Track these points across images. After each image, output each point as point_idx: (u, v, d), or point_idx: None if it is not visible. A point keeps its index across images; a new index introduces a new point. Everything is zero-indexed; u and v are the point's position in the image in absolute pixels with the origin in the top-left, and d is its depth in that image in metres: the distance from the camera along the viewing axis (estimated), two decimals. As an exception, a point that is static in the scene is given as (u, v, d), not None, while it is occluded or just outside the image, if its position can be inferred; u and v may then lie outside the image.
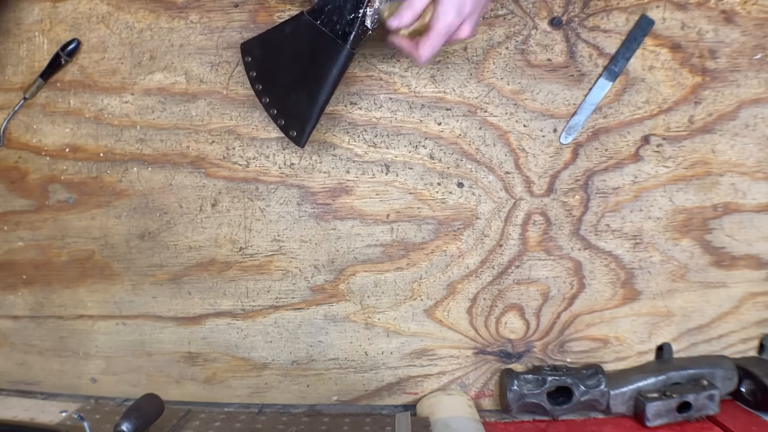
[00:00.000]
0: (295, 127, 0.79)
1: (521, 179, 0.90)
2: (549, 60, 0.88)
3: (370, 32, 0.74)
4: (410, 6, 0.68)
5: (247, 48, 0.81)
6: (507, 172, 0.90)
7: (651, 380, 0.89)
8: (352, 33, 0.73)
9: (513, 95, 0.88)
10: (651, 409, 0.85)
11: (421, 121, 0.89)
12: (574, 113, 0.87)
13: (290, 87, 0.78)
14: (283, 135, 0.82)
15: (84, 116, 0.91)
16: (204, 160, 0.91)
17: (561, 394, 0.89)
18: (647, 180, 0.90)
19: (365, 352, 0.94)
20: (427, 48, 0.68)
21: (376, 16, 0.73)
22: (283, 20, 0.78)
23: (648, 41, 0.87)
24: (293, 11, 0.86)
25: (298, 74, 0.77)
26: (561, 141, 0.87)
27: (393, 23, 0.69)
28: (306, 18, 0.75)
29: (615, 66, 0.86)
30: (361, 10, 0.72)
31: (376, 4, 0.72)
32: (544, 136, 0.89)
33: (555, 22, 0.87)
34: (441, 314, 0.93)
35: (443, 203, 0.91)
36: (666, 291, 0.93)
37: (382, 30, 0.74)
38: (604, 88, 0.86)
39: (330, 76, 0.75)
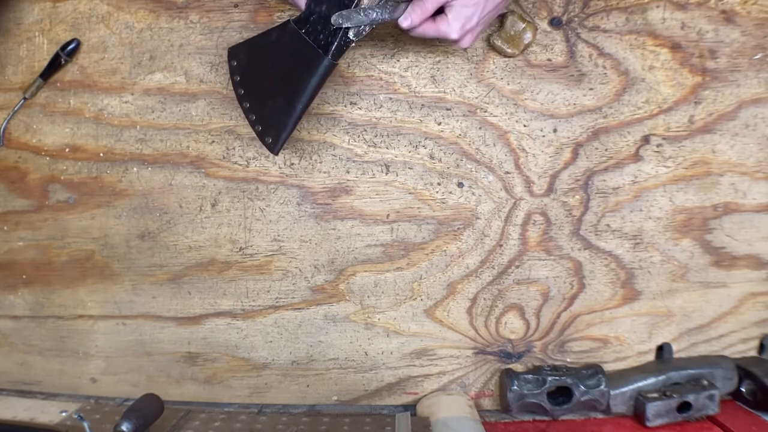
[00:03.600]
0: (271, 134, 0.79)
1: (521, 179, 0.90)
2: (549, 60, 0.88)
3: (353, 44, 0.73)
4: (416, 12, 0.70)
5: (233, 53, 0.81)
6: (507, 172, 0.90)
7: (651, 380, 0.89)
8: (334, 44, 0.72)
9: (513, 95, 0.88)
10: (651, 409, 0.85)
11: (421, 121, 0.89)
12: None
13: (270, 94, 0.78)
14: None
15: (84, 116, 0.91)
16: (204, 160, 0.91)
17: (561, 394, 0.89)
18: (647, 180, 0.90)
19: (365, 352, 0.94)
20: (407, 19, 0.70)
21: (360, 27, 0.72)
22: (270, 27, 0.78)
23: (648, 41, 0.87)
24: (293, 12, 0.86)
25: (279, 82, 0.77)
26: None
27: (404, 23, 0.71)
28: (292, 26, 0.75)
29: None
30: None
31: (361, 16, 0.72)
32: (544, 136, 0.89)
33: (555, 22, 0.87)
34: (441, 314, 0.93)
35: (443, 203, 0.91)
36: (666, 291, 0.93)
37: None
38: None
39: (309, 86, 0.75)
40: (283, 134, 0.78)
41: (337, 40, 0.72)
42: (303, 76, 0.75)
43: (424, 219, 0.91)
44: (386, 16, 0.71)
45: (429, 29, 0.72)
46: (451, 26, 0.70)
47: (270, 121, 0.79)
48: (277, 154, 0.81)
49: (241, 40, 0.82)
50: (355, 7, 0.71)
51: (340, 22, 0.71)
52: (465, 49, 0.84)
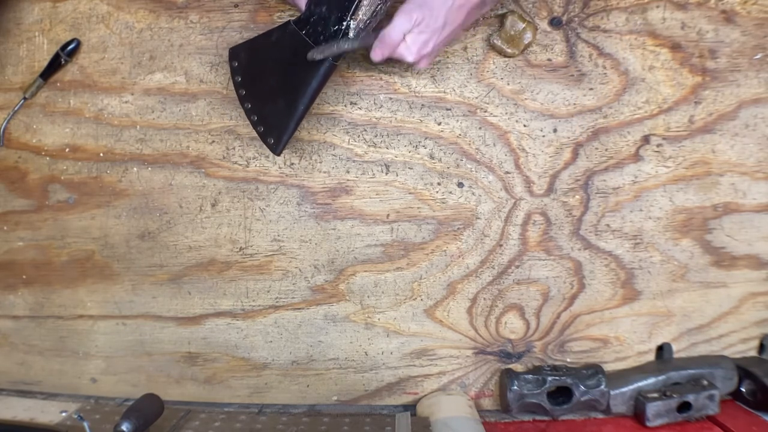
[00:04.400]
0: (272, 135, 0.79)
1: (521, 179, 0.90)
2: (549, 60, 0.88)
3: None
4: (384, 44, 0.74)
5: (234, 53, 0.81)
6: (507, 172, 0.90)
7: (651, 380, 0.89)
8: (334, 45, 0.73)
9: (513, 95, 0.88)
10: (651, 409, 0.85)
11: (421, 121, 0.89)
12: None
13: (271, 95, 0.78)
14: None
15: (84, 116, 0.91)
16: (204, 160, 0.91)
17: (561, 394, 0.89)
18: (647, 180, 0.90)
19: (365, 352, 0.94)
20: (376, 52, 0.76)
21: (361, 26, 0.72)
22: (271, 28, 0.78)
23: (648, 41, 0.87)
24: (292, 12, 0.86)
25: (280, 83, 0.77)
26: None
27: (375, 58, 0.75)
28: (292, 27, 0.75)
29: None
30: (345, 23, 0.72)
31: (360, 16, 0.72)
32: (544, 136, 0.89)
33: (555, 22, 0.87)
34: (441, 314, 0.93)
35: (443, 203, 0.91)
36: (666, 291, 0.93)
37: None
38: None
39: (310, 87, 0.75)
40: (284, 135, 0.78)
41: (338, 41, 0.72)
42: (304, 77, 0.75)
43: (424, 219, 0.91)
44: (356, 45, 0.74)
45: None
46: (409, 49, 0.74)
47: (272, 121, 0.79)
48: (279, 154, 0.81)
49: (242, 41, 0.82)
50: (351, 16, 0.71)
51: (315, 56, 0.74)
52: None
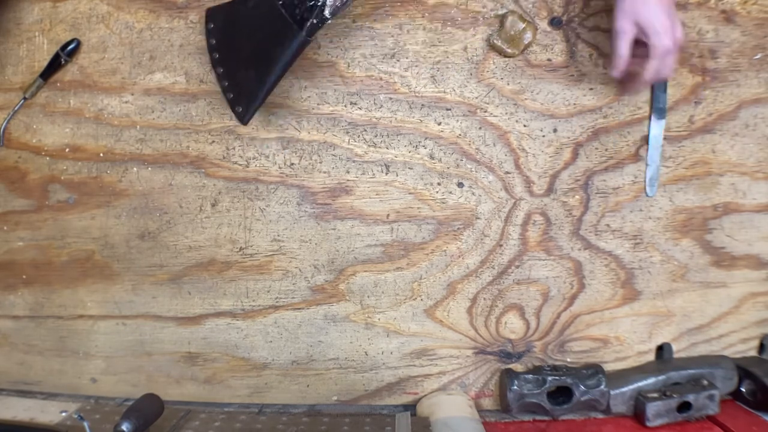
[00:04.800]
0: (241, 104, 0.78)
1: (521, 179, 0.90)
2: (549, 60, 0.88)
3: (329, 21, 0.72)
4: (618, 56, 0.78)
5: (211, 15, 0.79)
6: (507, 172, 0.90)
7: (651, 380, 0.89)
8: (309, 20, 0.71)
9: (513, 95, 0.88)
10: (651, 409, 0.85)
11: (421, 121, 0.89)
12: (647, 165, 0.87)
13: (243, 62, 0.77)
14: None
15: (84, 116, 0.91)
16: (204, 160, 0.91)
17: (561, 394, 0.89)
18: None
19: (365, 352, 0.94)
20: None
21: (337, 4, 0.71)
22: None
23: (648, 41, 0.87)
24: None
25: (252, 51, 0.76)
26: (648, 194, 0.88)
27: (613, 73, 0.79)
28: None
29: (658, 103, 0.86)
30: None
31: None
32: (544, 136, 0.89)
33: (555, 22, 0.87)
34: (441, 314, 0.93)
35: (443, 203, 0.91)
36: (666, 291, 0.93)
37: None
38: (660, 128, 0.87)
39: (281, 60, 0.74)
40: (252, 106, 0.77)
41: (313, 16, 0.71)
42: (276, 49, 0.74)
43: (424, 219, 0.91)
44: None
45: None
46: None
47: (242, 90, 0.78)
48: (246, 124, 0.80)
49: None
50: None
51: None
52: None
